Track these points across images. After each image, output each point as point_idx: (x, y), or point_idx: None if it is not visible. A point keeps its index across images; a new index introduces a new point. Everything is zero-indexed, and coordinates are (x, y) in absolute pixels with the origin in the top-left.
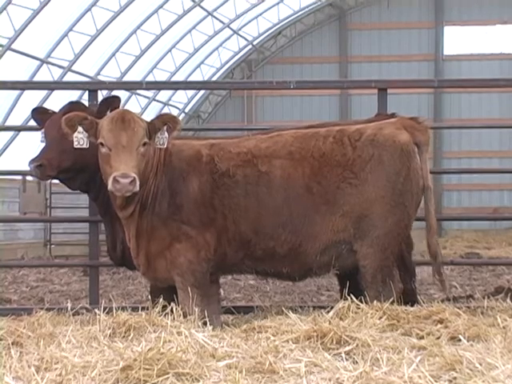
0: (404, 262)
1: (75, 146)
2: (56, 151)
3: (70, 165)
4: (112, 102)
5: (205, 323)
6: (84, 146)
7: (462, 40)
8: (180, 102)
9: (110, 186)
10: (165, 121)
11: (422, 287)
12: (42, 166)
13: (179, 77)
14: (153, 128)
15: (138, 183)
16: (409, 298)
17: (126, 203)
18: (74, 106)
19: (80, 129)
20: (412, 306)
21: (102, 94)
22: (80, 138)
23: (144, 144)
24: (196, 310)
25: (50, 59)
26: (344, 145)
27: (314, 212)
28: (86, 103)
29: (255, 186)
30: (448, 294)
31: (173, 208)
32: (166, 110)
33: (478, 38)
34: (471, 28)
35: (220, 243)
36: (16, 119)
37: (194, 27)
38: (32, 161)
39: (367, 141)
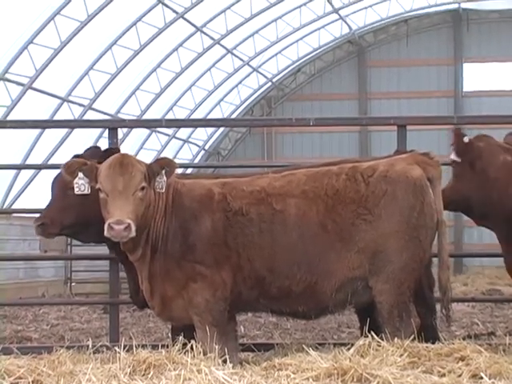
0: (425, 298)
1: (76, 193)
2: (57, 208)
3: (72, 221)
4: (112, 154)
5: (225, 361)
6: (85, 192)
7: (481, 76)
8: (200, 139)
9: (106, 233)
10: (162, 165)
11: (443, 324)
12: (44, 225)
13: (199, 114)
14: (151, 172)
15: (133, 229)
16: (430, 334)
17: (132, 246)
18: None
19: (80, 175)
20: (433, 342)
21: (122, 132)
22: (81, 184)
23: (142, 188)
24: (216, 347)
25: (70, 98)
26: (357, 181)
27: (330, 250)
28: (106, 141)
29: (269, 225)
30: (449, 327)
31: (186, 248)
32: (185, 148)
33: (497, 75)
34: (491, 64)
35: (235, 282)
36: (37, 158)
37: (213, 65)
38: (35, 219)
39: (380, 177)
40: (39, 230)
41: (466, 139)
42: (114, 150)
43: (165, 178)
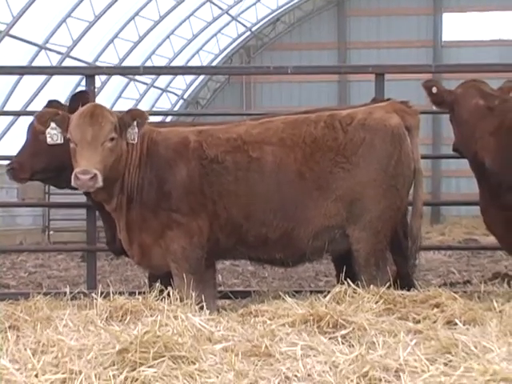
0: (401, 246)
1: (48, 143)
2: (27, 153)
3: (43, 166)
4: (82, 97)
5: (201, 308)
6: (58, 142)
7: (460, 26)
8: (178, 89)
9: (72, 182)
10: (134, 116)
11: (419, 273)
12: (14, 170)
13: (178, 63)
14: (123, 123)
15: (99, 179)
16: (405, 282)
17: (107, 197)
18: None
19: (53, 125)
20: (408, 290)
21: (99, 80)
22: (53, 134)
23: (112, 139)
24: (193, 294)
25: (48, 45)
26: (335, 129)
27: (307, 197)
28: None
29: (246, 172)
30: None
31: (161, 196)
32: (164, 97)
33: (476, 25)
34: (470, 14)
35: (212, 229)
36: (15, 104)
37: (192, 13)
38: (7, 164)
39: (358, 125)
40: (9, 175)
41: (433, 90)
42: (83, 93)
43: (136, 129)
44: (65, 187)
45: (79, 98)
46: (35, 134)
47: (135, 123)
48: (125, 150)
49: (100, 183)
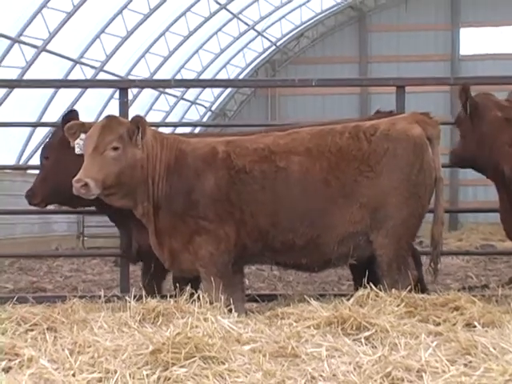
0: (413, 251)
1: (77, 153)
2: (38, 180)
3: (50, 191)
4: (70, 118)
5: (230, 310)
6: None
7: (477, 41)
8: (207, 101)
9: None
10: (135, 123)
11: (438, 277)
12: (28, 197)
13: (206, 76)
14: (131, 132)
15: (92, 186)
16: (418, 286)
17: (131, 203)
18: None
19: (82, 135)
20: (423, 293)
21: (132, 92)
22: (82, 145)
23: (115, 148)
24: (222, 297)
25: (82, 60)
26: (360, 140)
27: (332, 205)
28: (117, 101)
29: (273, 181)
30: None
31: (189, 204)
32: (193, 109)
33: (493, 39)
34: (486, 29)
35: (239, 236)
36: (51, 116)
37: (220, 29)
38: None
39: (382, 135)
40: (27, 200)
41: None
42: (72, 112)
43: (140, 135)
44: (77, 207)
45: (69, 119)
46: (41, 160)
47: (139, 130)
48: (141, 158)
49: (93, 191)
